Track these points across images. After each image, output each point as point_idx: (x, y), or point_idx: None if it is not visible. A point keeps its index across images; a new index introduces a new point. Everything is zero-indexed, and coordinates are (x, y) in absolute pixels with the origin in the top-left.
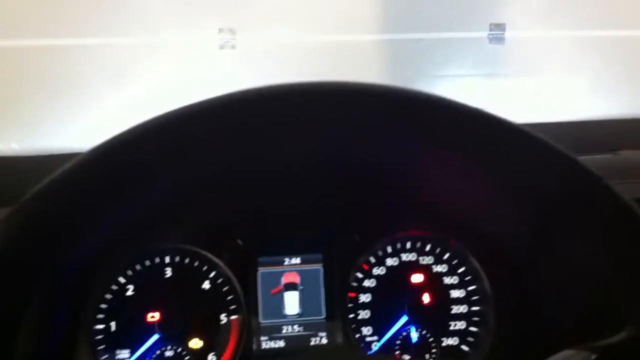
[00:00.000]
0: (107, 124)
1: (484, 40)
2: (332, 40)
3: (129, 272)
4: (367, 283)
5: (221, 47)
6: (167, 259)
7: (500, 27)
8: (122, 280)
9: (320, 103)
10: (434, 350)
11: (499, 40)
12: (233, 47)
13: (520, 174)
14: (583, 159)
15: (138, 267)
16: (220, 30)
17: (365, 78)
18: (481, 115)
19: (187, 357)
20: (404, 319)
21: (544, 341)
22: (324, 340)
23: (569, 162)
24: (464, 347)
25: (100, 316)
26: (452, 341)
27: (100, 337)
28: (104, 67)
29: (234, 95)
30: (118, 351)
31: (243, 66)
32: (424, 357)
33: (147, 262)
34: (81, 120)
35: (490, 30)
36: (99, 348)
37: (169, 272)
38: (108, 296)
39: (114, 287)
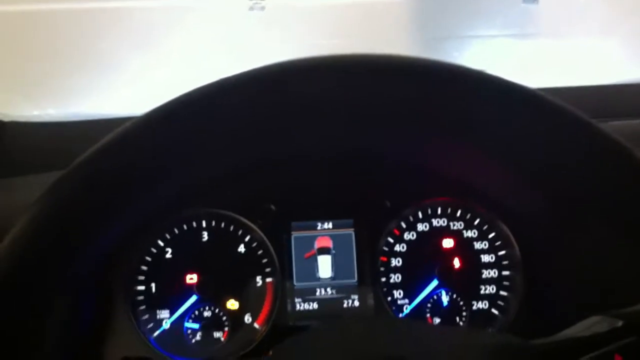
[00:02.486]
0: (137, 89)
1: (517, 0)
2: (360, 0)
3: (167, 236)
4: (398, 248)
5: (250, 9)
6: (204, 223)
7: None
8: (161, 243)
9: (356, 78)
10: (464, 314)
11: None
12: (262, 8)
13: (544, 147)
14: (616, 124)
15: (176, 231)
16: None
17: (393, 39)
18: (509, 87)
19: (224, 317)
20: (434, 283)
21: (569, 308)
22: (356, 303)
23: (595, 133)
24: (494, 311)
25: (141, 278)
26: (482, 305)
27: (141, 297)
28: (132, 31)
29: (268, 69)
30: (158, 311)
31: (272, 28)
32: (455, 320)
33: (185, 227)
34: (112, 84)
35: None
36: (140, 308)
37: (205, 235)
38: (148, 259)
39: (154, 250)
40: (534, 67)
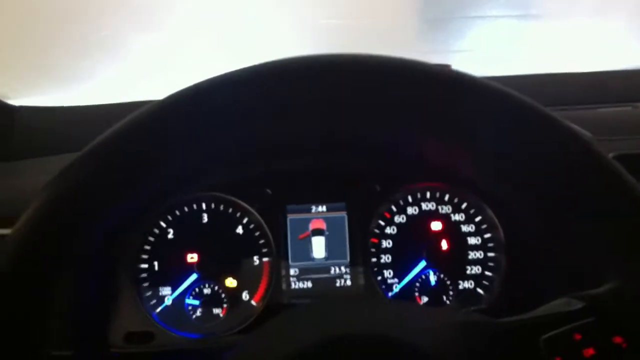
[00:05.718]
0: (137, 70)
1: None
2: None
3: (169, 218)
4: (389, 230)
5: None
6: (204, 206)
7: None
8: (163, 224)
9: (349, 79)
10: (451, 293)
11: None
12: None
13: (508, 138)
14: (601, 111)
15: (177, 212)
16: None
17: (399, 19)
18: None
19: (223, 295)
20: (422, 264)
21: (547, 288)
22: (348, 282)
23: (553, 123)
24: (479, 290)
25: (144, 257)
26: (468, 284)
27: (144, 275)
28: (134, 11)
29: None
30: (161, 288)
31: (277, 7)
32: (442, 299)
33: (186, 209)
34: (114, 67)
35: None
36: (143, 285)
37: (205, 217)
38: (151, 239)
39: (156, 231)
40: (536, 47)
